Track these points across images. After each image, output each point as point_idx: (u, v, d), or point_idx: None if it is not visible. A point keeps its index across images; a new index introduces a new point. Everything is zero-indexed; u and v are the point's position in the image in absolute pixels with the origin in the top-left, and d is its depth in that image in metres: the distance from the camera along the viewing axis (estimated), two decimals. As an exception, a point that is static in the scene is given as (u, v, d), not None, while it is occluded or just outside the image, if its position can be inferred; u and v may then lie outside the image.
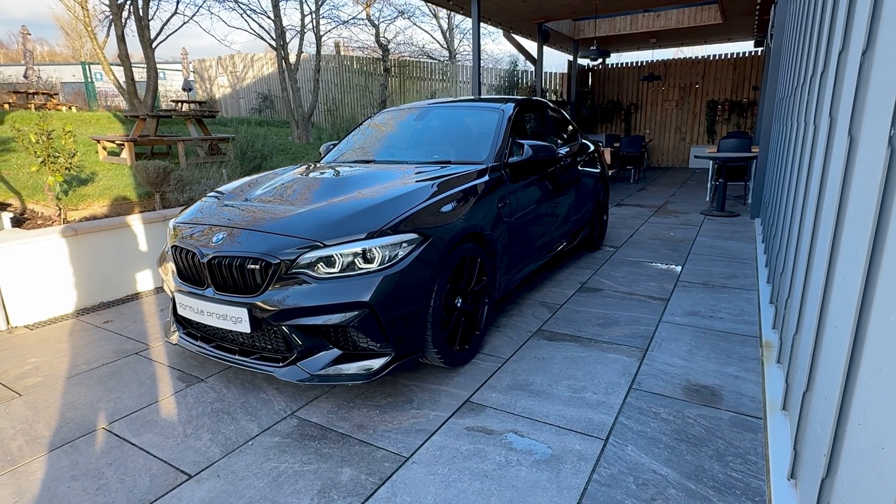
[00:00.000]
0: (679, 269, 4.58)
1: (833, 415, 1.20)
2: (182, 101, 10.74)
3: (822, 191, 1.76)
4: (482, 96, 5.31)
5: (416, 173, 3.07)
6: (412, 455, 2.10)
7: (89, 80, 17.35)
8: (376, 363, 2.36)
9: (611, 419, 2.31)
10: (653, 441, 2.14)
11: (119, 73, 9.64)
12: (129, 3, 9.03)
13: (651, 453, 2.06)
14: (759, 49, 12.75)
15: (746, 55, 12.92)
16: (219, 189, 3.28)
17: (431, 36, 26.71)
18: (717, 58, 13.26)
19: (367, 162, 3.72)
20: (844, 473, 1.13)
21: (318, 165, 3.73)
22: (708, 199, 8.28)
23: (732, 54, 13.12)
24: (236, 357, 2.52)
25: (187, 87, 12.40)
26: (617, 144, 11.08)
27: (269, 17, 11.54)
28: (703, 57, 13.47)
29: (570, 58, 13.54)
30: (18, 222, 4.68)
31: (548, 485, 1.90)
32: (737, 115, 13.06)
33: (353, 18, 16.78)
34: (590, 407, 2.41)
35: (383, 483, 1.94)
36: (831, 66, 1.79)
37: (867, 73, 1.28)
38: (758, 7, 9.49)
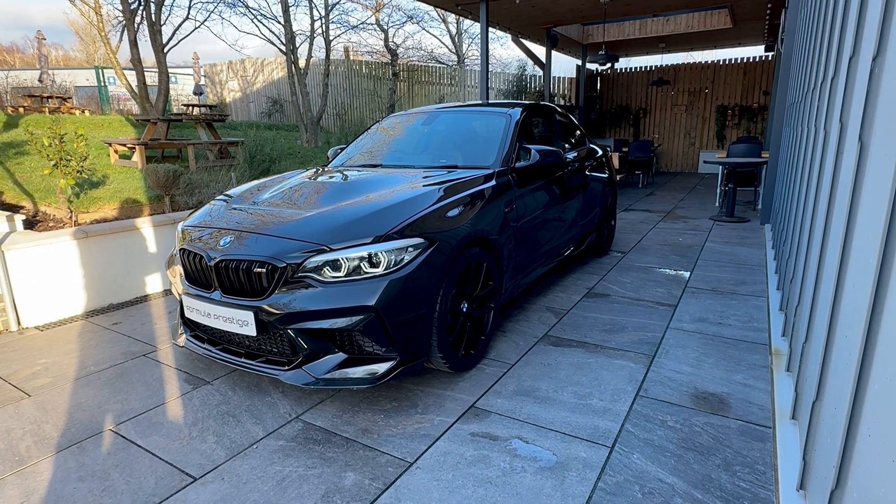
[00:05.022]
0: (687, 274, 4.55)
1: (843, 425, 1.18)
2: (193, 105, 10.84)
3: (832, 197, 1.74)
4: (490, 101, 5.31)
5: (424, 178, 3.07)
6: (416, 460, 2.09)
7: (102, 84, 17.61)
8: (381, 367, 2.36)
9: (617, 426, 2.29)
10: (659, 449, 2.12)
11: (131, 77, 9.78)
12: (141, 8, 9.16)
13: (657, 462, 2.04)
14: (770, 54, 12.67)
15: (757, 60, 12.84)
16: (227, 192, 3.31)
17: (440, 41, 26.80)
18: (726, 62, 13.18)
19: (375, 166, 3.73)
20: (854, 485, 1.11)
21: (325, 169, 3.75)
22: (717, 204, 8.21)
23: (742, 59, 13.03)
24: (242, 360, 2.53)
25: (198, 92, 12.51)
26: (625, 149, 11.03)
27: (279, 23, 11.66)
28: (712, 61, 13.39)
29: (579, 62, 13.52)
30: (30, 224, 4.74)
31: (552, 492, 1.89)
32: (747, 119, 12.96)
33: (363, 23, 16.89)
34: (596, 414, 2.39)
35: (387, 488, 1.93)
36: (842, 71, 1.78)
37: (878, 79, 1.26)
38: (768, 12, 9.44)
